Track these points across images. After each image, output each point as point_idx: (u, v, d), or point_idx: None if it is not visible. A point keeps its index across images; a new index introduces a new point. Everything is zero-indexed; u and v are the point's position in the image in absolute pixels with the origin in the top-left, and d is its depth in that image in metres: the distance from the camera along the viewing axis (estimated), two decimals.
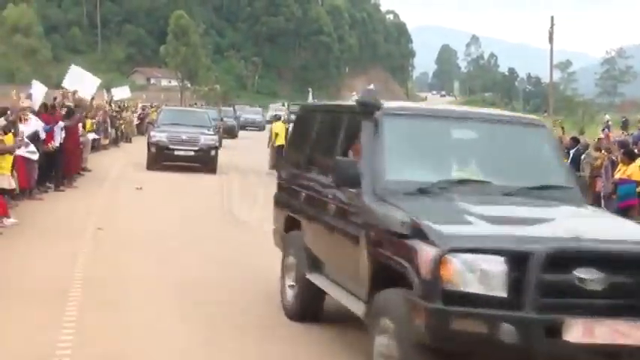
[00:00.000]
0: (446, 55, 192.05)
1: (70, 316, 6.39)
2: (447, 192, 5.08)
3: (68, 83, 21.18)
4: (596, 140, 14.44)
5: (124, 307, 6.84)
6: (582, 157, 13.75)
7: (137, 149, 23.63)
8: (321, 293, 6.16)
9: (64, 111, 16.15)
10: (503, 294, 4.02)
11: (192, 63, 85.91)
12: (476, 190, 5.18)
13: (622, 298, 4.13)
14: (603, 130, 31.68)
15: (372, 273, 4.88)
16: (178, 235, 10.89)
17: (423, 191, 5.07)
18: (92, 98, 21.95)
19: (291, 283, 6.66)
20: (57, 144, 14.45)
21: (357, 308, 5.15)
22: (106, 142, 26.72)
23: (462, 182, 5.26)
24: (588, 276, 4.05)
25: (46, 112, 15.13)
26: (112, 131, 28.22)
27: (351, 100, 7.37)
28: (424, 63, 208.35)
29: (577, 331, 4.00)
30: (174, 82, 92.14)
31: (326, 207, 5.96)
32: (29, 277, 7.78)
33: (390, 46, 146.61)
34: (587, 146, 14.04)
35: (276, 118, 23.97)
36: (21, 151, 11.78)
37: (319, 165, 6.48)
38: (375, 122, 5.49)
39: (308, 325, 6.45)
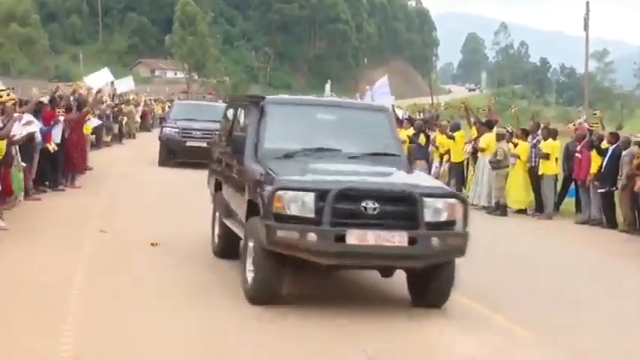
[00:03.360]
0: (472, 45, 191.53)
1: (70, 320, 6.47)
2: (305, 156, 7.75)
3: (91, 80, 22.19)
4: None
5: (126, 311, 6.91)
6: (622, 154, 13.58)
7: (141, 146, 23.55)
8: (237, 238, 8.38)
9: (63, 103, 16.18)
10: (312, 215, 6.73)
11: (200, 53, 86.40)
12: (327, 155, 7.86)
13: (388, 219, 6.83)
14: None
15: (247, 207, 7.55)
16: (182, 236, 10.90)
17: (287, 156, 7.76)
18: (98, 90, 22.29)
19: (217, 232, 9.36)
20: (57, 140, 14.47)
21: (240, 232, 7.97)
22: (108, 138, 26.85)
23: (318, 150, 7.92)
24: (369, 205, 6.77)
25: (50, 106, 15.19)
26: (114, 127, 28.31)
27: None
28: (449, 53, 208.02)
29: (354, 237, 6.71)
30: (180, 74, 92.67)
31: (231, 170, 8.63)
32: (29, 281, 7.83)
33: (412, 35, 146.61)
34: (628, 143, 13.85)
35: None
36: (17, 129, 11.55)
37: (229, 141, 9.02)
38: (259, 108, 8.20)
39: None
